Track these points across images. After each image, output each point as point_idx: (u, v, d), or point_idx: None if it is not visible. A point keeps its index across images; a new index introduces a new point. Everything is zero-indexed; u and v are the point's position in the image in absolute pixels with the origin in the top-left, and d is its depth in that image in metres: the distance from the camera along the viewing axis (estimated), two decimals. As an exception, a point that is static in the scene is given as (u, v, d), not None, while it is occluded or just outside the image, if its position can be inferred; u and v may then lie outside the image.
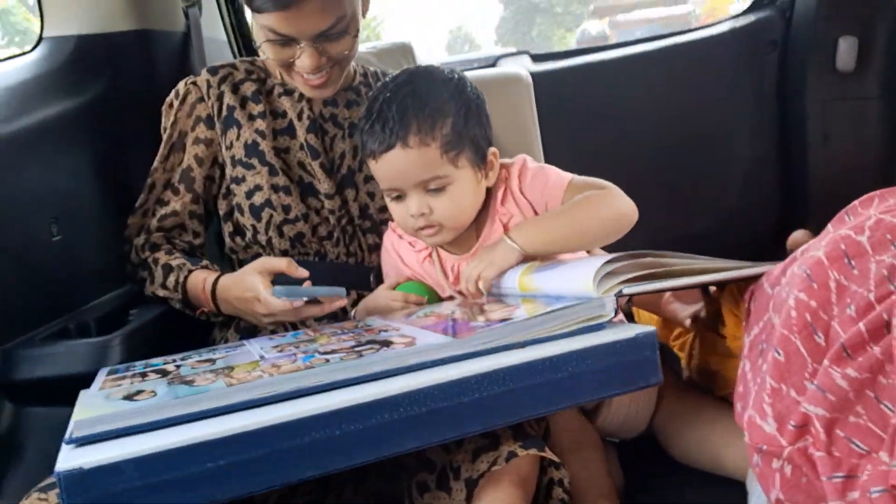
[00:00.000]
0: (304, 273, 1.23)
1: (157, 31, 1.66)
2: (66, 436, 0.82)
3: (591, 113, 1.94)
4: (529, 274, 1.13)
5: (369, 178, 1.41)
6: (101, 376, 1.07)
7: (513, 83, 1.68)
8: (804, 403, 0.86)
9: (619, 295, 0.97)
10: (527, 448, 0.95)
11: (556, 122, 1.80)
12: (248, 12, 1.76)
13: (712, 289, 1.22)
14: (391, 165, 1.20)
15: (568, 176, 1.25)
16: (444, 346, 0.94)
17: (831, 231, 0.95)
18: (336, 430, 0.82)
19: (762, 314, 1.00)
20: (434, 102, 1.19)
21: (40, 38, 1.56)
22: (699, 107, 1.96)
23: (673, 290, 1.08)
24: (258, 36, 1.28)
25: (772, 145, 1.96)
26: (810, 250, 0.96)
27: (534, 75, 1.80)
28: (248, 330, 1.37)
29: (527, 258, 1.18)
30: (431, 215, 1.22)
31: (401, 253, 1.35)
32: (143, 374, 1.03)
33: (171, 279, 1.35)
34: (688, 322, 1.22)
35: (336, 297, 1.23)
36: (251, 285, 1.23)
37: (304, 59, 1.26)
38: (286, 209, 1.35)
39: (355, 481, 1.17)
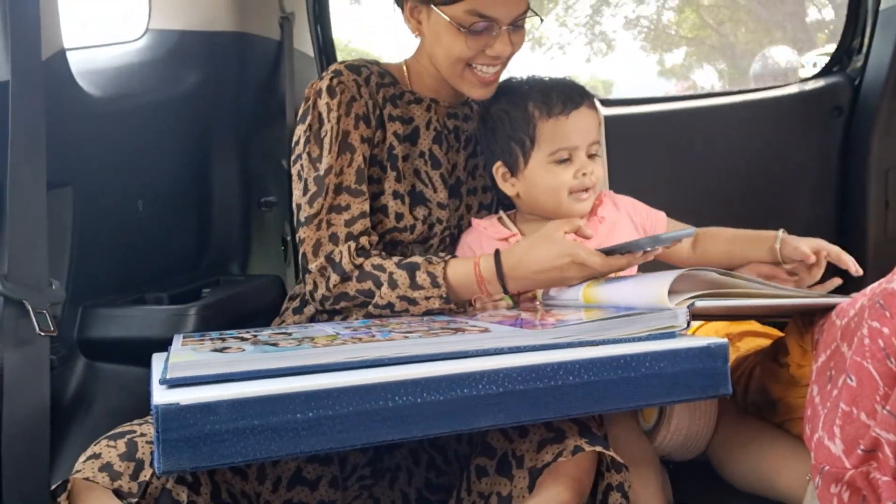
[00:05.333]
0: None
1: (254, 35, 1.75)
2: (160, 377, 0.86)
3: (656, 158, 2.00)
4: (596, 286, 1.17)
5: (471, 191, 1.46)
6: (178, 339, 1.11)
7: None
8: (875, 428, 0.88)
9: (690, 308, 1.00)
10: (592, 445, 0.98)
11: (623, 164, 1.84)
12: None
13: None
14: (579, 121, 1.32)
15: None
16: (520, 335, 0.97)
17: None
18: (418, 398, 0.86)
19: (830, 343, 1.03)
20: None
21: (147, 29, 1.65)
22: (762, 163, 2.00)
23: (742, 309, 1.11)
24: (443, 29, 1.28)
25: (831, 207, 2.00)
26: (882, 285, 0.99)
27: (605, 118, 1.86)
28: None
29: None
30: (592, 176, 1.33)
31: (482, 244, 1.38)
32: (223, 339, 1.07)
33: (423, 276, 1.22)
34: None
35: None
36: (565, 251, 1.16)
37: (499, 45, 1.29)
38: (398, 217, 1.34)
39: (409, 469, 1.20)
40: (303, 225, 1.28)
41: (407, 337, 0.98)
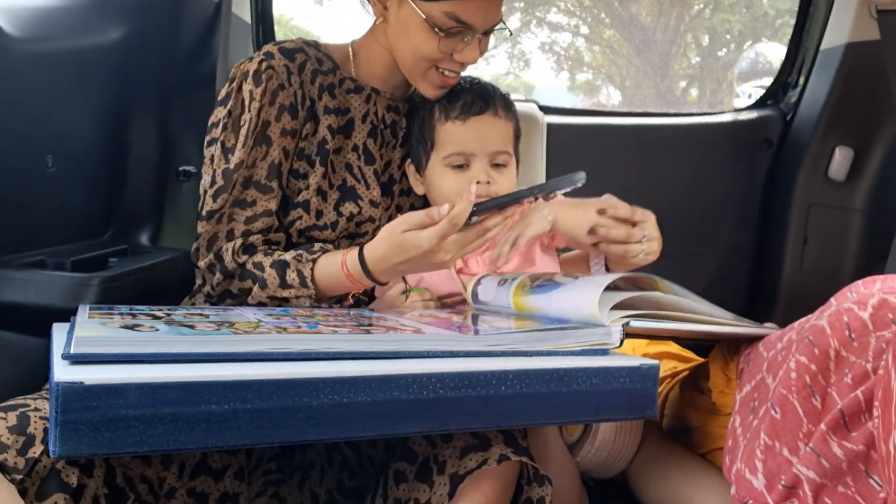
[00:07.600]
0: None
1: (191, -7, 1.65)
2: (62, 351, 0.78)
3: (587, 169, 1.98)
4: (525, 295, 1.14)
5: (404, 192, 1.40)
6: (84, 310, 1.02)
7: (529, 121, 1.71)
8: (797, 465, 0.88)
9: (625, 327, 0.98)
10: (518, 455, 0.95)
11: (559, 171, 1.81)
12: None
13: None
14: (477, 128, 1.30)
15: None
16: (454, 339, 0.94)
17: (834, 304, 0.99)
18: (344, 398, 0.80)
19: (755, 374, 1.03)
20: (510, 100, 1.39)
21: (74, -28, 1.53)
22: (690, 186, 2.02)
23: (676, 332, 1.10)
24: (415, 24, 1.22)
25: (751, 237, 2.03)
26: (811, 321, 1.00)
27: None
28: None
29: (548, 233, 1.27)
30: (491, 186, 1.29)
31: None
32: (133, 315, 0.99)
33: (292, 276, 1.20)
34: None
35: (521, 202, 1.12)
36: (415, 243, 1.09)
37: (468, 52, 1.24)
38: (318, 214, 1.28)
39: (321, 469, 1.14)
40: (203, 219, 1.25)
41: (335, 331, 0.93)
